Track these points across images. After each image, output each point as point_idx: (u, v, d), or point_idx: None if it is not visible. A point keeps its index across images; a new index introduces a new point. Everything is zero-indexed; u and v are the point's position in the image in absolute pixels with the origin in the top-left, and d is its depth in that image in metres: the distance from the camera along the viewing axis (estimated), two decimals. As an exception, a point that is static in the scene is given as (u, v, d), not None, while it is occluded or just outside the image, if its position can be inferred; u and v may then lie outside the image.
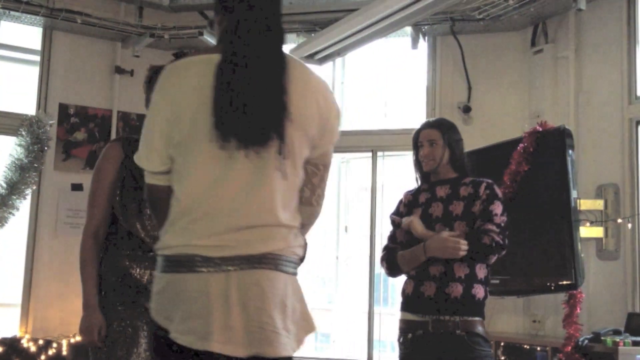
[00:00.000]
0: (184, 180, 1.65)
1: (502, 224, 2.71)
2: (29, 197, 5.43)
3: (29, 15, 5.30)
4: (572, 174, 4.12)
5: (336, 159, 6.15)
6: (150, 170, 1.72)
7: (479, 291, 2.68)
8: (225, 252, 1.60)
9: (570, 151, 4.15)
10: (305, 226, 1.77)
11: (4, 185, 5.27)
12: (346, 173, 6.25)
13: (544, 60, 5.13)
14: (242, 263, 1.60)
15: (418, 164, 2.91)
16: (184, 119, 1.64)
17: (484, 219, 2.69)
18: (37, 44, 5.73)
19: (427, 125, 2.93)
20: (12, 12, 5.22)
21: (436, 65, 5.62)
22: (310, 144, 1.71)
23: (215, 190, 1.62)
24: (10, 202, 5.28)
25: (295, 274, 1.70)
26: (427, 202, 2.83)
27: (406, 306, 2.77)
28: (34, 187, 5.42)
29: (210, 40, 5.44)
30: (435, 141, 2.85)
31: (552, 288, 4.15)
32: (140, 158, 1.73)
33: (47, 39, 5.65)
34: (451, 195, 2.79)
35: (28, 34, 5.76)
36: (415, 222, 2.76)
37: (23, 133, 5.36)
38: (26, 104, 5.61)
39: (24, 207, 5.42)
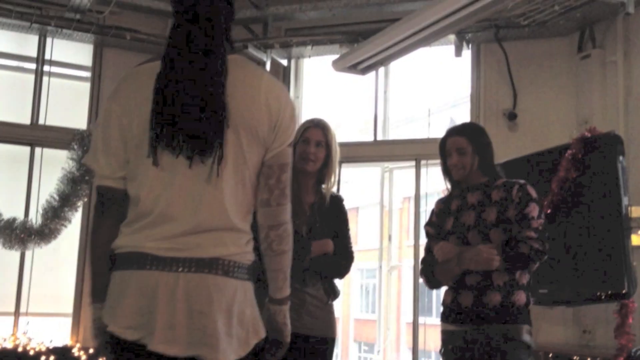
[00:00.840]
0: (141, 184, 1.68)
1: (540, 227, 2.59)
2: (80, 209, 5.57)
3: (80, 33, 5.46)
4: (623, 180, 4.03)
5: (379, 168, 6.15)
6: (106, 175, 1.74)
7: (519, 298, 2.59)
8: (176, 254, 1.63)
9: (620, 157, 4.07)
10: (272, 227, 1.76)
11: (57, 197, 5.43)
12: (389, 182, 6.23)
13: (592, 66, 5.04)
14: (192, 265, 1.63)
15: (447, 172, 2.82)
16: (134, 126, 1.68)
17: (522, 225, 2.59)
18: (87, 60, 5.89)
19: (453, 132, 2.81)
20: (64, 30, 5.40)
21: (480, 73, 5.58)
22: (262, 146, 1.72)
23: (166, 196, 1.65)
24: (62, 214, 5.44)
25: (247, 279, 1.71)
26: (459, 210, 2.74)
27: (445, 317, 2.72)
28: (85, 199, 5.56)
29: (255, 53, 5.52)
30: (463, 149, 2.73)
31: (603, 298, 4.06)
32: (97, 161, 1.74)
33: (97, 55, 5.82)
34: (483, 201, 2.69)
35: (78, 50, 5.92)
36: (445, 248, 2.69)
37: (75, 147, 5.53)
38: (78, 119, 5.77)
39: (75, 219, 5.57)
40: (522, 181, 2.70)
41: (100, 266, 1.75)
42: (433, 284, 2.79)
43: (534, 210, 2.60)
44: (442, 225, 2.80)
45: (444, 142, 2.83)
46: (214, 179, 1.65)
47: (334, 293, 2.89)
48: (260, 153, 1.73)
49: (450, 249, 2.67)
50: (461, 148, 2.74)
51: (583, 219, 4.17)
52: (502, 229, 2.62)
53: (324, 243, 2.83)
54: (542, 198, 4.17)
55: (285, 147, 1.75)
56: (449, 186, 2.87)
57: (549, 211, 4.18)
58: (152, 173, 1.67)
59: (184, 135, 1.64)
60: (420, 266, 2.87)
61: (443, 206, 2.84)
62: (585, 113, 5.07)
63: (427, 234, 2.86)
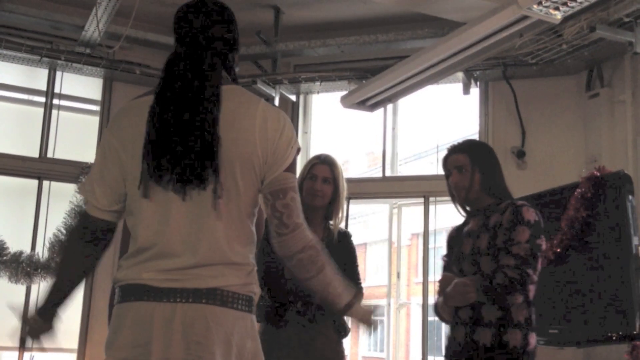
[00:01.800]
0: (138, 219, 1.68)
1: (523, 253, 2.36)
2: (87, 243, 5.55)
3: (90, 67, 5.52)
4: (633, 219, 4.00)
5: (387, 204, 6.13)
6: (101, 207, 1.74)
7: (514, 337, 2.37)
8: (173, 284, 1.61)
9: (630, 196, 4.04)
10: (289, 257, 1.74)
11: (64, 231, 5.42)
12: (398, 219, 6.20)
13: (600, 104, 5.04)
14: (190, 296, 1.60)
15: (452, 194, 2.68)
16: (131, 161, 1.68)
17: (504, 252, 2.39)
18: (97, 94, 5.93)
19: (454, 150, 2.67)
20: (74, 64, 5.45)
21: (488, 110, 5.59)
22: (256, 176, 1.69)
23: (165, 232, 1.64)
24: (69, 247, 5.41)
25: (249, 311, 1.67)
26: (461, 239, 2.60)
27: (445, 353, 2.60)
28: (92, 233, 5.53)
29: (264, 89, 5.55)
30: (463, 167, 2.59)
31: (614, 338, 4.00)
32: (93, 193, 1.74)
33: (106, 89, 5.86)
34: (482, 227, 2.52)
35: (88, 84, 5.97)
36: (443, 280, 2.56)
37: (83, 180, 5.53)
38: (86, 152, 5.79)
39: (82, 253, 5.54)
40: (519, 202, 2.52)
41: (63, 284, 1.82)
42: (440, 318, 2.67)
43: (521, 234, 2.39)
44: (451, 255, 2.68)
45: (445, 161, 2.70)
46: (209, 214, 1.63)
47: (344, 330, 2.85)
48: (255, 184, 1.70)
49: (447, 281, 2.53)
50: (460, 166, 2.60)
51: (593, 258, 4.12)
52: (491, 257, 2.44)
53: (332, 280, 2.80)
54: (551, 236, 4.15)
55: (281, 173, 1.71)
56: (461, 211, 2.72)
57: (558, 250, 4.15)
58: (148, 208, 1.66)
59: (174, 169, 1.63)
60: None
61: (455, 234, 2.70)
62: (593, 152, 5.06)
63: (442, 266, 2.74)
